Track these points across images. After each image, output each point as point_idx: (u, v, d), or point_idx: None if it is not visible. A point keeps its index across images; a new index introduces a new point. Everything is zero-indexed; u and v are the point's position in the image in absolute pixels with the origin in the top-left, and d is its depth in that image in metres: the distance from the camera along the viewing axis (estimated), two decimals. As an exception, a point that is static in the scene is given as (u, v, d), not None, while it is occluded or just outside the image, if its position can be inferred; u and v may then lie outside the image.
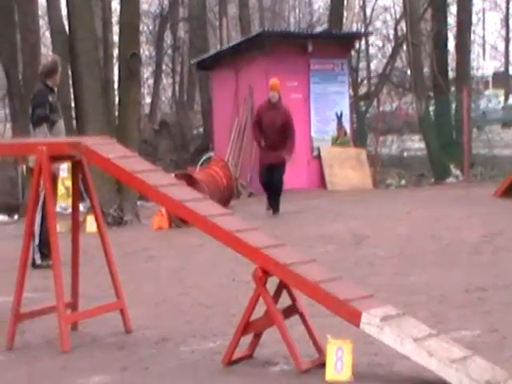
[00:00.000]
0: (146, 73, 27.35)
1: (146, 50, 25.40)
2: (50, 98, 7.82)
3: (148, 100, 27.92)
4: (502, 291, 6.23)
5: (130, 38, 11.94)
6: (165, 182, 5.18)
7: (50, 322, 5.31)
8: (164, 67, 27.14)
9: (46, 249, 7.45)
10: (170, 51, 26.17)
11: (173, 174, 10.38)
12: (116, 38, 15.99)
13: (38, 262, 7.71)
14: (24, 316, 5.31)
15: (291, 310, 4.79)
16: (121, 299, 5.46)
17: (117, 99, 13.26)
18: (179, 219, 9.73)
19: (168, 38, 26.21)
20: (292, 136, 10.66)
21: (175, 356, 4.88)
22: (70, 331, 5.24)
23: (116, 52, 16.71)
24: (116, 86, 13.37)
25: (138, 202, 11.66)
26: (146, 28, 25.29)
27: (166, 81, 28.86)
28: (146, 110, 26.07)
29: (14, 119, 16.52)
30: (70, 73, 12.54)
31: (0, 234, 10.67)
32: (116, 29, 16.57)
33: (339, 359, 4.28)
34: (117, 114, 12.67)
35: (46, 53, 19.09)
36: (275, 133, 10.58)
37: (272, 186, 10.86)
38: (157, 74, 26.49)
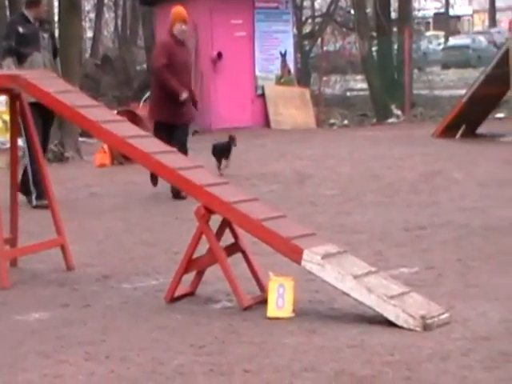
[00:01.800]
0: (88, 6, 26.64)
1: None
2: (21, 29, 7.37)
3: (90, 34, 27.26)
4: (440, 229, 6.37)
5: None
6: (107, 118, 5.09)
7: (-10, 259, 5.23)
8: (106, 0, 26.46)
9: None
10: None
11: (115, 111, 10.21)
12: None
13: None
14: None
15: (234, 248, 4.82)
16: (62, 235, 5.41)
17: (57, 32, 12.89)
18: (122, 156, 9.62)
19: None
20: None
21: (117, 293, 4.88)
22: (9, 267, 5.18)
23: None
24: (56, 18, 12.99)
25: (80, 139, 11.47)
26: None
27: (108, 15, 28.19)
28: (88, 44, 25.46)
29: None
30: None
31: None
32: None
33: (280, 296, 4.34)
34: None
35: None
36: (188, 79, 7.99)
37: None
38: (98, 8, 25.82)
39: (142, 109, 11.87)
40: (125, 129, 5.05)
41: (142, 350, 3.90)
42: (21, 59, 7.33)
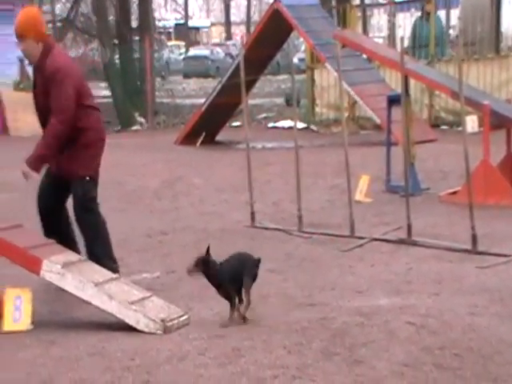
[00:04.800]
0: None
1: None
2: None
3: None
4: (180, 234, 6.55)
5: None
6: None
7: None
8: None
9: None
10: None
11: None
12: None
13: None
14: None
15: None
16: None
17: None
18: None
19: None
20: (53, 123, 4.95)
21: None
22: None
23: None
24: None
25: None
26: None
27: None
28: None
29: None
30: None
31: None
32: None
33: (17, 309, 4.22)
34: None
35: None
36: (46, 113, 5.07)
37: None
38: None
39: None
40: None
41: None
42: None
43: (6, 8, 14.65)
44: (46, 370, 3.68)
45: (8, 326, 4.20)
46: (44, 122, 5.06)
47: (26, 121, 14.32)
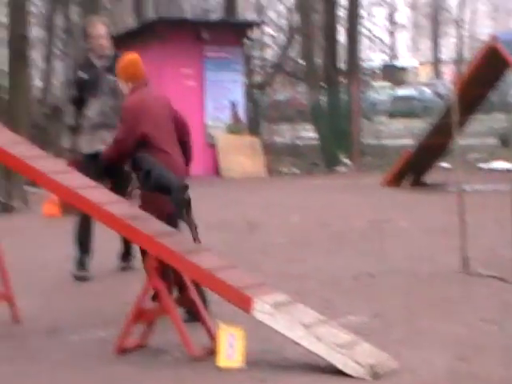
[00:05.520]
0: (38, 56, 26.58)
1: (35, 32, 24.68)
2: (83, 75, 6.62)
3: (40, 84, 27.19)
4: (388, 277, 6.44)
5: (18, 18, 11.65)
6: (56, 169, 5.08)
7: None
8: (57, 52, 26.47)
9: None
10: (61, 34, 25.55)
11: (65, 161, 10.14)
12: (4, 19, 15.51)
13: None
14: None
15: (184, 299, 4.82)
16: (8, 288, 5.33)
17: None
18: (71, 206, 9.52)
19: (60, 21, 25.57)
20: (108, 148, 5.58)
21: (65, 346, 4.81)
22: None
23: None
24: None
25: (24, 187, 11.35)
26: (36, 10, 24.59)
27: (58, 65, 28.18)
28: (38, 94, 25.35)
29: None
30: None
31: None
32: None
33: (231, 346, 4.34)
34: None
35: None
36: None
37: None
38: (48, 58, 25.82)
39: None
40: (74, 179, 5.05)
41: (91, 403, 3.85)
42: (80, 106, 6.70)
43: (223, 56, 15.42)
44: (257, 409, 3.74)
45: (223, 361, 4.33)
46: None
47: (237, 163, 14.91)
